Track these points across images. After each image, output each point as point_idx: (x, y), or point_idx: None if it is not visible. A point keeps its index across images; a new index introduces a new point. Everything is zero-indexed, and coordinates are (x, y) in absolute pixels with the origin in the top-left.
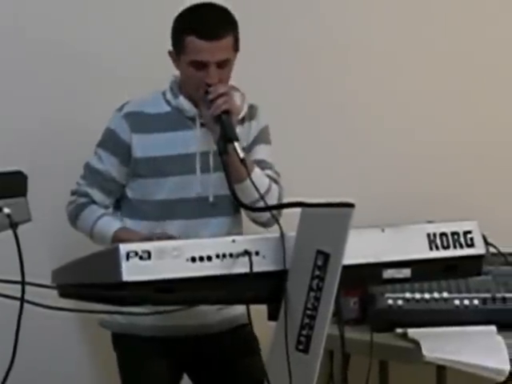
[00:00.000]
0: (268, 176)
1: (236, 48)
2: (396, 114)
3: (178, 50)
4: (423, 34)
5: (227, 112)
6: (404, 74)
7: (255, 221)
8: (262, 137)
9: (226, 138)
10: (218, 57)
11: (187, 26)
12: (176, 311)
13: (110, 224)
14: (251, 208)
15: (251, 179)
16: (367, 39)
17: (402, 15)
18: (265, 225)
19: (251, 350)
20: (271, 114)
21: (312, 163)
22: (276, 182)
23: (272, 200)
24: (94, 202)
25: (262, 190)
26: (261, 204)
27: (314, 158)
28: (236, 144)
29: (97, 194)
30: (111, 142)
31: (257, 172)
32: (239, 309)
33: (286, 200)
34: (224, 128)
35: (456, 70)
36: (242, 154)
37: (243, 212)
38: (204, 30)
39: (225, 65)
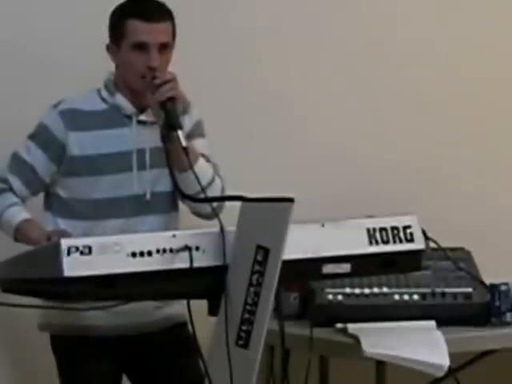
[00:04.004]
0: (214, 169)
1: (174, 37)
2: (334, 110)
3: (118, 37)
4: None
5: (173, 99)
6: (343, 71)
7: (199, 213)
8: (197, 131)
9: (170, 125)
10: (159, 39)
11: (128, 11)
12: (115, 307)
13: (18, 214)
14: (192, 198)
15: (193, 169)
16: (303, 35)
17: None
18: (208, 217)
19: (189, 349)
20: (208, 111)
21: (250, 158)
22: (218, 174)
23: (216, 192)
24: (11, 189)
25: (206, 181)
26: (202, 195)
27: (252, 152)
28: (179, 132)
29: (16, 182)
30: (43, 137)
31: (202, 163)
32: (177, 307)
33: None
34: (168, 115)
35: (389, 67)
36: (184, 143)
37: (185, 206)
38: (145, 13)
39: (165, 50)
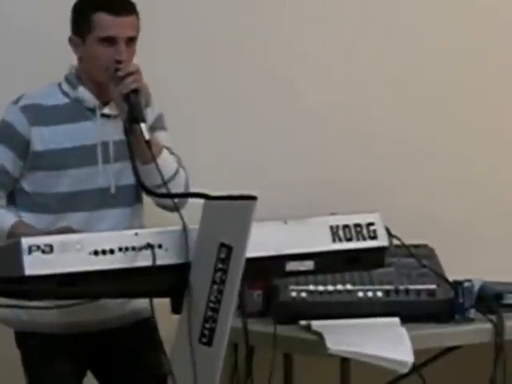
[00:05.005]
0: (177, 161)
1: (138, 31)
2: (295, 110)
3: (84, 30)
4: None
5: (136, 91)
6: (307, 63)
7: (164, 206)
8: (159, 123)
9: (133, 118)
10: (127, 32)
11: (94, 4)
12: (77, 305)
13: (5, 218)
14: (155, 194)
15: (156, 162)
16: (267, 31)
17: None
18: (173, 210)
19: (154, 345)
20: (171, 104)
21: (212, 155)
22: (182, 166)
23: (180, 184)
24: None
25: (170, 174)
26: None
27: (214, 150)
28: (142, 125)
29: None
30: (8, 135)
31: (165, 155)
32: (141, 302)
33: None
34: (131, 108)
35: (350, 58)
36: (147, 136)
37: (150, 199)
38: (113, 6)
39: (132, 43)
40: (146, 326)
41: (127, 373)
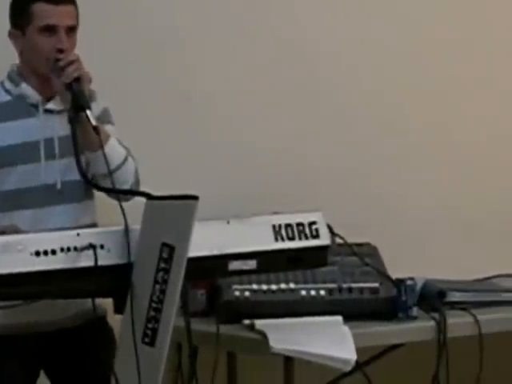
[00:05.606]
0: (126, 149)
1: (78, 21)
2: (237, 109)
3: (23, 21)
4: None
5: (78, 79)
6: (252, 70)
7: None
8: (105, 117)
9: (78, 106)
10: (66, 21)
11: None
12: (19, 306)
13: None
14: (97, 187)
15: (103, 149)
16: (212, 32)
17: None
18: (126, 198)
19: (107, 344)
20: (113, 104)
21: (153, 155)
22: (131, 155)
23: (129, 172)
24: None
25: (119, 161)
26: (115, 175)
27: (155, 150)
28: (88, 112)
29: None
30: None
31: (113, 142)
32: (97, 301)
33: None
34: (75, 96)
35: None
36: (94, 122)
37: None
38: None
39: (72, 33)
40: (102, 325)
41: (77, 373)
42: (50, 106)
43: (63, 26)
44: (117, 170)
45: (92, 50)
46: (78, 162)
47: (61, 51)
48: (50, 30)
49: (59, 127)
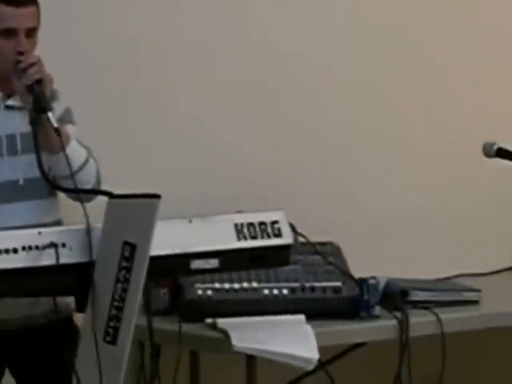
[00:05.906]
0: (87, 152)
1: (39, 21)
2: (204, 108)
3: None
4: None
5: (40, 81)
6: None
7: (74, 198)
8: (67, 117)
9: (39, 108)
10: (27, 23)
11: None
12: None
13: None
14: (58, 187)
15: (65, 151)
16: (187, 35)
17: None
18: (88, 199)
19: (70, 343)
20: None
21: (116, 154)
22: (93, 156)
23: (91, 173)
24: None
25: (80, 162)
26: (77, 176)
27: (118, 149)
28: (49, 114)
29: None
30: None
31: (74, 144)
32: (64, 299)
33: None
34: (37, 98)
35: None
36: (55, 124)
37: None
38: None
39: (33, 34)
40: (67, 324)
41: (41, 372)
42: (11, 102)
43: (23, 29)
44: (78, 171)
45: (53, 48)
46: (40, 163)
47: (21, 53)
48: (10, 32)
49: (20, 123)
